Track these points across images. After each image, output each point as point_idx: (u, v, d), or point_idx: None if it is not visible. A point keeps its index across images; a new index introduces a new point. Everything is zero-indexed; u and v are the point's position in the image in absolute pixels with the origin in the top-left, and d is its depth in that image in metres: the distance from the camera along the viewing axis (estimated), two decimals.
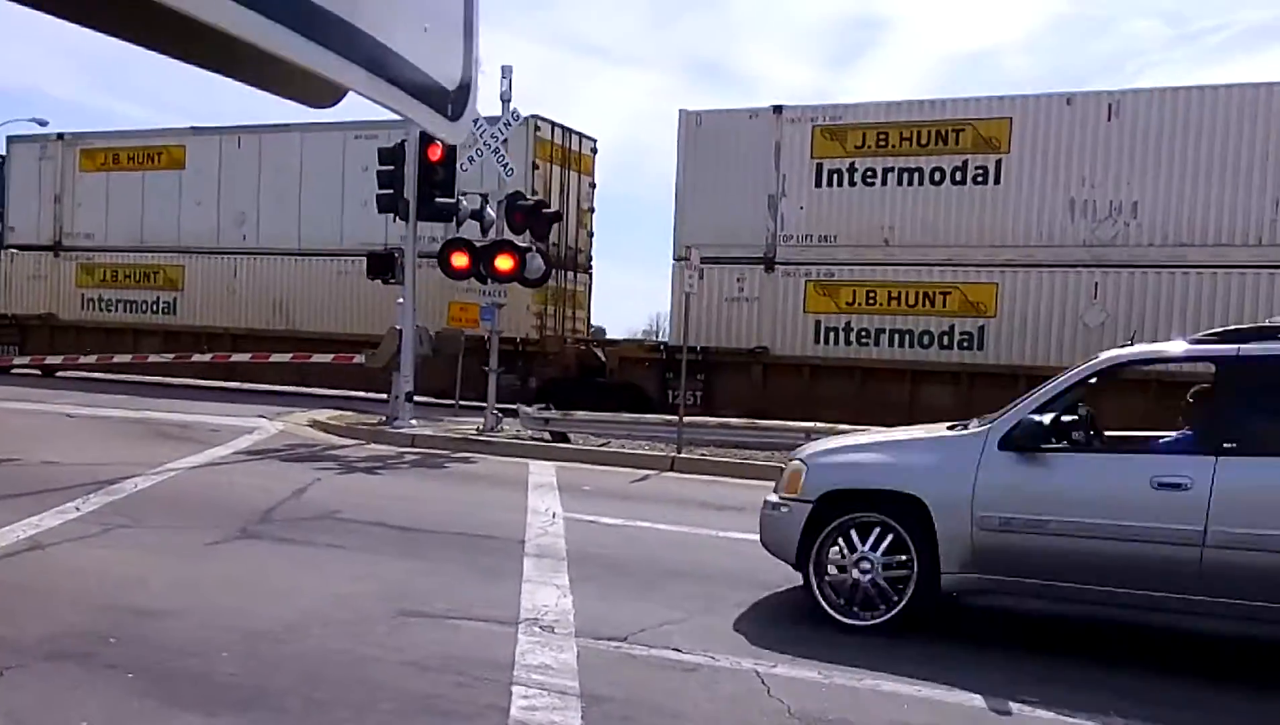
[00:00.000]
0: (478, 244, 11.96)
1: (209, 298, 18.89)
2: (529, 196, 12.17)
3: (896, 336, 13.78)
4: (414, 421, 12.49)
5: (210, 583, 4.90)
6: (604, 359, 15.72)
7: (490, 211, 12.17)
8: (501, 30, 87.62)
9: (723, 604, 4.87)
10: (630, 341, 18.80)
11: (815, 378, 13.80)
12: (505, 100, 11.92)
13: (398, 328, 12.76)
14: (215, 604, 4.52)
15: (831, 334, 13.99)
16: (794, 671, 3.91)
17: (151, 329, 19.37)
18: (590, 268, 18.35)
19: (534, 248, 12.04)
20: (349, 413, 14.47)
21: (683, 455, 10.25)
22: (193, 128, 19.36)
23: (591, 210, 18.13)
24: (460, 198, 12.03)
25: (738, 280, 14.37)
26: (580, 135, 17.41)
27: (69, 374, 19.06)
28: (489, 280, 11.93)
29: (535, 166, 15.96)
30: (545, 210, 12.03)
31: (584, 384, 14.93)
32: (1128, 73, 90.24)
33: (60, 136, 20.27)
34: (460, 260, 11.84)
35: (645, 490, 8.96)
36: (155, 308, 19.66)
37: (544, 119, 16.42)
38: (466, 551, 5.95)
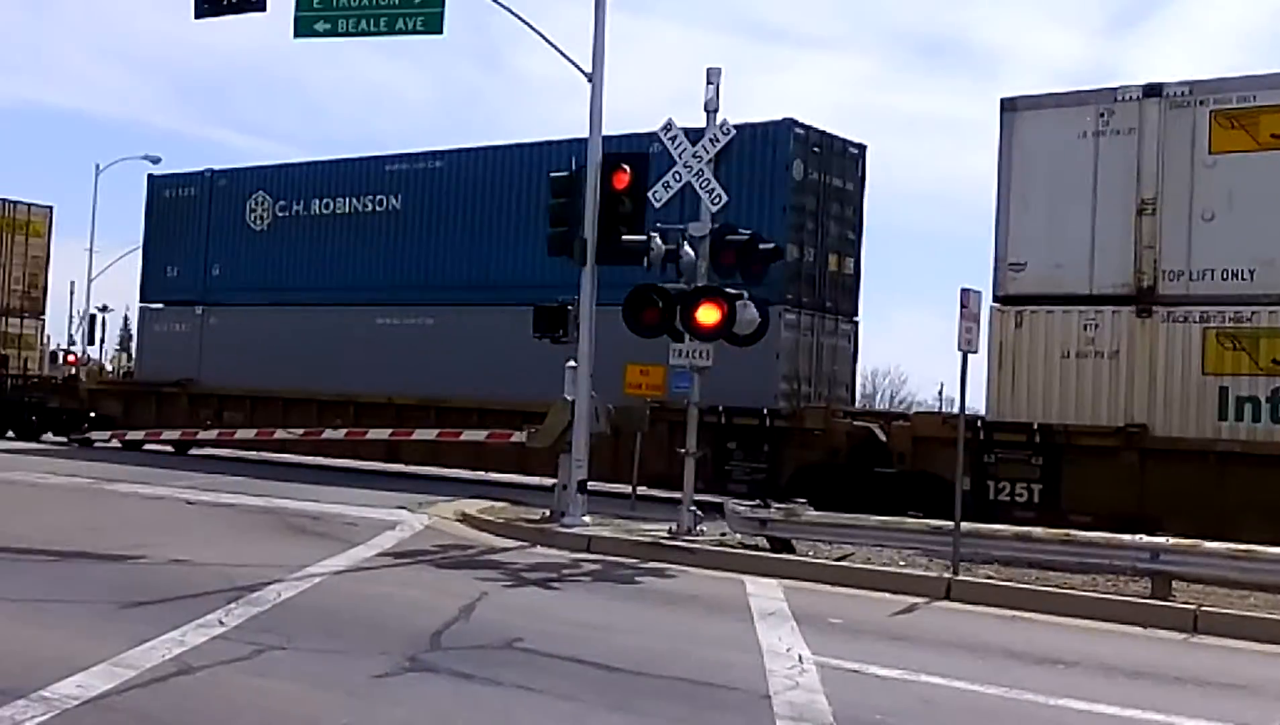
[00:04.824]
0: (672, 291, 12.09)
1: None
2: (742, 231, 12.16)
3: None
4: (587, 518, 12.62)
5: None
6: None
7: (689, 251, 12.29)
8: (665, 18, 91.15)
9: None
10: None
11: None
12: (711, 110, 12.06)
13: (569, 399, 13.05)
14: None
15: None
16: None
17: None
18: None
19: (746, 295, 12.00)
20: (501, 503, 14.91)
21: (961, 578, 9.62)
22: None
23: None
24: (651, 234, 12.25)
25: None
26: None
27: None
28: (687, 337, 11.98)
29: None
30: (762, 245, 11.99)
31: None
32: None
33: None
34: (650, 313, 11.99)
35: (917, 626, 8.48)
36: None
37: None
38: (694, 706, 5.74)
